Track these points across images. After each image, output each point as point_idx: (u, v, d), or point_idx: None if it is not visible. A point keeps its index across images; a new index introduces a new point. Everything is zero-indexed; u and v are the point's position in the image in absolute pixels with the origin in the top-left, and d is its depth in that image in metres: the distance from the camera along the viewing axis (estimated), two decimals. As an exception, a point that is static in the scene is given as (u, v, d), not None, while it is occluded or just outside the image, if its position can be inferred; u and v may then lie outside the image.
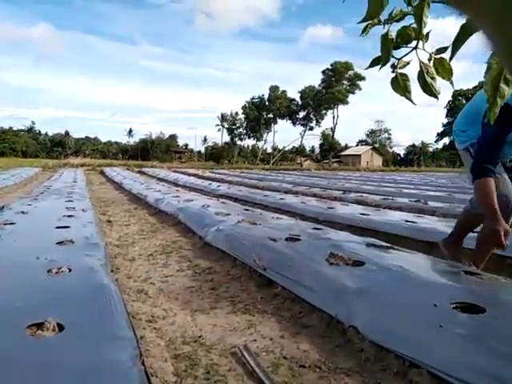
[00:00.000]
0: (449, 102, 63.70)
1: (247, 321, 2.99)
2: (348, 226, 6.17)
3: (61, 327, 2.19)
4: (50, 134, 66.18)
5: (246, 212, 6.94)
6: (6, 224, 5.21)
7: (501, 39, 0.43)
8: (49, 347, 2.02)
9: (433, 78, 1.08)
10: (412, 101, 1.15)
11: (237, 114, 60.39)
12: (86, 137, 71.80)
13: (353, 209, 7.73)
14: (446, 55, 1.07)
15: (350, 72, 55.79)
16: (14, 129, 60.75)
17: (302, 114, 59.74)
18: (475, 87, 56.24)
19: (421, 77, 1.09)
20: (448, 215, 7.30)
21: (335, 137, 62.44)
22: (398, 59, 1.13)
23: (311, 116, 59.43)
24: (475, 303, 2.51)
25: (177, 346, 2.56)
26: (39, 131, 66.85)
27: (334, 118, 59.86)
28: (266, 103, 57.64)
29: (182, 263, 4.59)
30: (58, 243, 4.16)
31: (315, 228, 5.38)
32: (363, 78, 56.45)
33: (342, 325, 2.67)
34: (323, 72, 57.31)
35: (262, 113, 58.00)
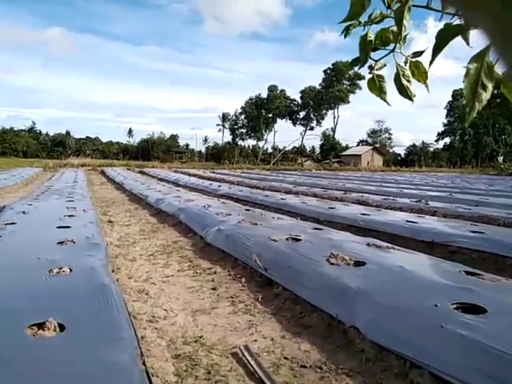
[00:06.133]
0: (449, 103, 63.82)
1: (248, 321, 3.00)
2: (349, 226, 6.17)
3: (62, 327, 2.19)
4: (52, 133, 66.16)
5: (246, 212, 6.94)
6: (6, 224, 5.22)
7: (500, 37, 0.43)
8: (49, 347, 2.02)
9: (409, 81, 1.10)
10: (387, 102, 1.18)
11: (240, 113, 60.55)
12: (87, 137, 71.61)
13: (354, 209, 7.73)
14: (424, 59, 1.09)
15: (350, 72, 55.89)
16: (15, 129, 60.91)
17: (302, 114, 59.89)
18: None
19: (397, 79, 1.11)
20: (449, 215, 7.30)
21: (336, 137, 62.47)
22: (376, 61, 1.15)
23: (311, 116, 59.44)
24: (476, 303, 2.51)
25: (177, 346, 2.56)
26: (40, 131, 66.78)
27: (334, 118, 59.90)
28: (265, 102, 57.69)
29: (183, 263, 4.59)
30: (59, 243, 4.16)
31: (316, 228, 5.38)
32: (363, 78, 56.54)
33: (343, 325, 2.67)
34: (325, 71, 57.38)
35: (261, 112, 58.07)
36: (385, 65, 1.17)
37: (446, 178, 27.25)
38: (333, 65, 57.14)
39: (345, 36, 1.18)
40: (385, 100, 1.18)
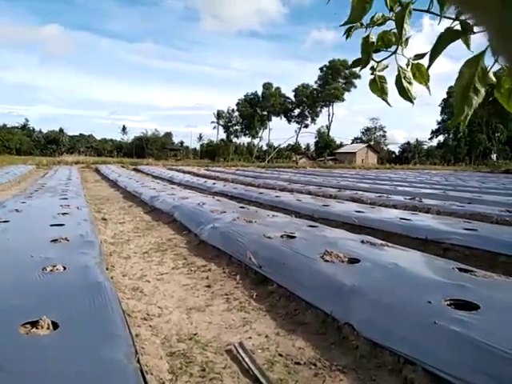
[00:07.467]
0: (443, 100, 64.10)
1: (242, 318, 3.00)
2: (343, 224, 6.19)
3: (55, 325, 2.18)
4: (45, 131, 65.54)
5: (241, 210, 6.93)
6: (-1, 222, 5.18)
7: (501, 36, 0.43)
8: (43, 346, 2.01)
9: (410, 83, 1.12)
10: (388, 102, 1.20)
11: (233, 110, 60.48)
12: (81, 134, 70.95)
13: (348, 206, 7.75)
14: (425, 61, 1.10)
15: (346, 70, 55.96)
16: (8, 126, 60.33)
17: (296, 112, 59.90)
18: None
19: (398, 81, 1.13)
20: (442, 213, 7.35)
21: (330, 134, 62.62)
22: (378, 62, 1.16)
23: (306, 113, 59.51)
24: (469, 300, 2.53)
25: (172, 344, 2.56)
26: (33, 128, 66.15)
27: (329, 115, 60.03)
28: (260, 100, 57.64)
29: (178, 261, 4.59)
30: (52, 241, 4.14)
31: (310, 225, 5.39)
32: (358, 76, 56.66)
33: (338, 322, 2.68)
34: (321, 69, 57.45)
35: (256, 109, 57.99)
36: (386, 66, 1.18)
37: (440, 175, 27.39)
38: (329, 62, 57.22)
39: (346, 38, 1.19)
40: (386, 101, 1.20)
